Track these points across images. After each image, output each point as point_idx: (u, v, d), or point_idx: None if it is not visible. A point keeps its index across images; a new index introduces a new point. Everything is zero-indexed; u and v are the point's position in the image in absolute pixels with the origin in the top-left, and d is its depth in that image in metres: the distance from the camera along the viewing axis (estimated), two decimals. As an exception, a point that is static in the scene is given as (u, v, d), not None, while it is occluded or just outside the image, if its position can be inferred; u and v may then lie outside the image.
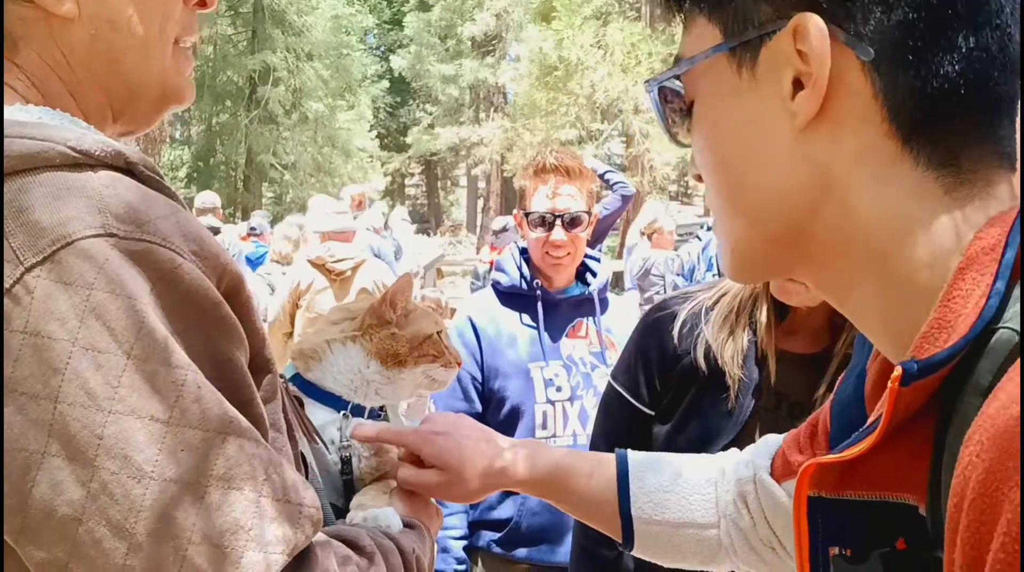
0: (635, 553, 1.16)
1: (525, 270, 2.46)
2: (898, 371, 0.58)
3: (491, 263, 10.56)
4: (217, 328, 0.74)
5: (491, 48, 26.85)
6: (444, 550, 2.32)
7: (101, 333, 0.67)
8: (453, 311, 7.74)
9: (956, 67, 0.62)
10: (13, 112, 0.78)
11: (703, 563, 1.16)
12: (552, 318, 2.44)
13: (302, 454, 0.95)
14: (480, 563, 2.42)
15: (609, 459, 1.18)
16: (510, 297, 2.47)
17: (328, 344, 1.17)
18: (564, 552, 2.27)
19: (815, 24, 0.62)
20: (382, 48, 32.70)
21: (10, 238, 0.68)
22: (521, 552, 2.36)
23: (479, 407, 2.38)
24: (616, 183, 6.65)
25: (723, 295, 1.71)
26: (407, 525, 1.03)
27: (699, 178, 0.77)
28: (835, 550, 0.69)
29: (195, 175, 23.75)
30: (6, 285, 0.67)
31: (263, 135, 22.31)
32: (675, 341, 1.72)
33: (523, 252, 2.50)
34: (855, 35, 0.62)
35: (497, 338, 2.41)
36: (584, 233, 2.41)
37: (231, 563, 0.68)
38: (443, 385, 1.23)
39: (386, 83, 29.81)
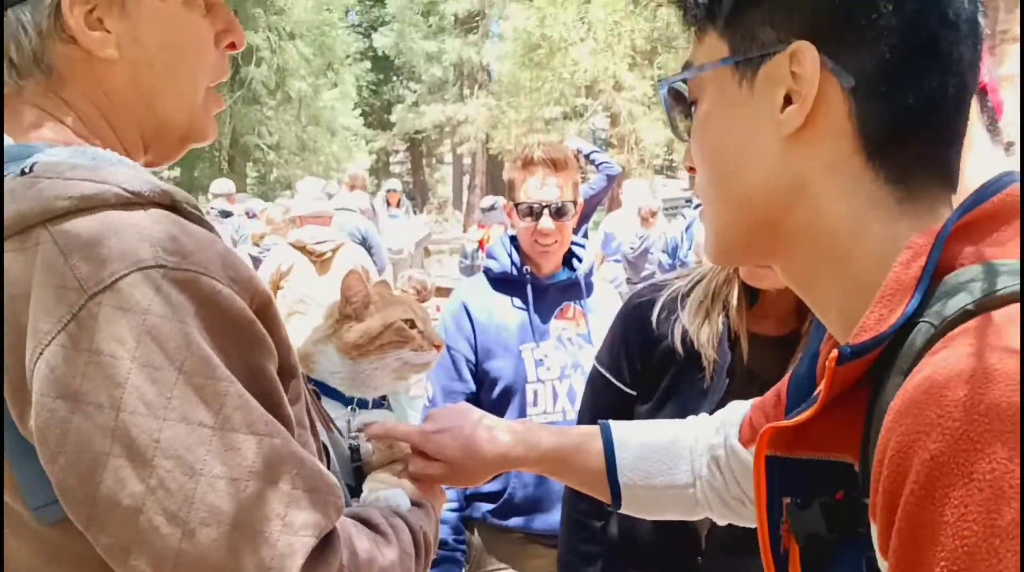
0: (622, 511, 1.29)
1: (515, 257, 2.57)
2: (835, 353, 0.71)
3: (480, 242, 10.59)
4: (251, 344, 0.85)
5: (474, 25, 26.70)
6: (442, 521, 2.44)
7: (156, 352, 0.78)
8: (443, 290, 7.83)
9: (916, 101, 0.74)
10: (71, 154, 0.87)
11: (683, 516, 1.30)
12: (541, 302, 2.56)
13: (324, 445, 1.05)
14: (476, 532, 2.56)
15: (595, 433, 1.29)
16: (501, 282, 2.59)
17: (315, 345, 1.25)
18: (554, 520, 2.39)
19: (810, 51, 0.74)
20: (364, 25, 32.40)
21: (75, 270, 0.78)
22: (514, 521, 2.49)
23: (473, 386, 2.50)
24: (602, 163, 6.76)
25: (697, 282, 1.82)
26: (415, 504, 1.12)
27: (691, 169, 0.88)
28: (787, 499, 0.81)
29: (180, 158, 23.58)
30: (73, 311, 0.77)
31: (247, 115, 22.16)
32: (654, 326, 1.84)
33: (512, 239, 2.62)
34: (841, 65, 0.75)
35: (489, 321, 2.52)
36: (570, 222, 2.53)
37: (269, 546, 0.79)
38: (422, 368, 1.28)
39: (368, 62, 29.62)
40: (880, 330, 0.70)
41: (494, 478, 2.45)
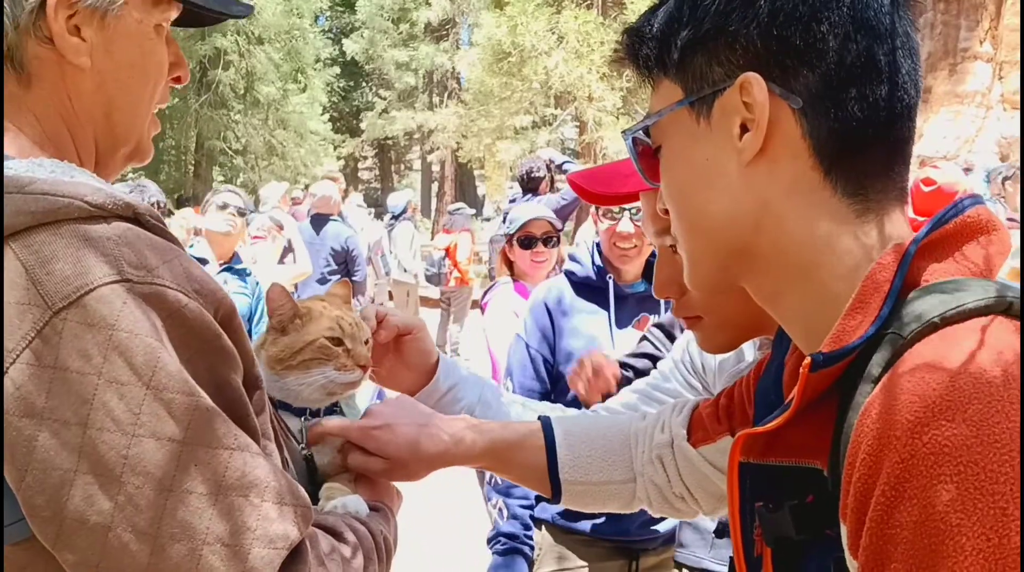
0: (562, 505, 1.33)
1: (599, 262, 2.59)
2: (808, 360, 0.74)
3: (447, 250, 10.48)
4: (217, 356, 0.85)
5: (445, 33, 26.75)
6: (513, 516, 2.50)
7: (123, 368, 0.77)
8: (428, 300, 7.56)
9: (864, 113, 0.79)
10: (31, 167, 0.86)
11: (620, 509, 1.34)
12: (620, 310, 2.58)
13: (285, 456, 1.04)
14: (543, 529, 2.58)
15: (536, 429, 1.32)
16: (582, 287, 2.60)
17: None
18: (621, 525, 2.44)
19: (757, 81, 0.79)
20: (335, 31, 32.30)
21: (38, 286, 0.77)
22: (582, 524, 2.50)
23: (548, 387, 2.54)
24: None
25: None
26: (373, 508, 1.12)
27: (665, 212, 0.94)
28: (759, 504, 0.84)
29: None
30: (38, 328, 0.76)
31: (214, 119, 21.96)
32: None
33: (598, 246, 2.64)
34: (787, 88, 0.79)
35: (570, 325, 2.54)
36: None
37: (240, 559, 0.79)
38: (348, 388, 1.22)
39: (338, 67, 29.52)
40: (851, 340, 0.74)
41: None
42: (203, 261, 4.43)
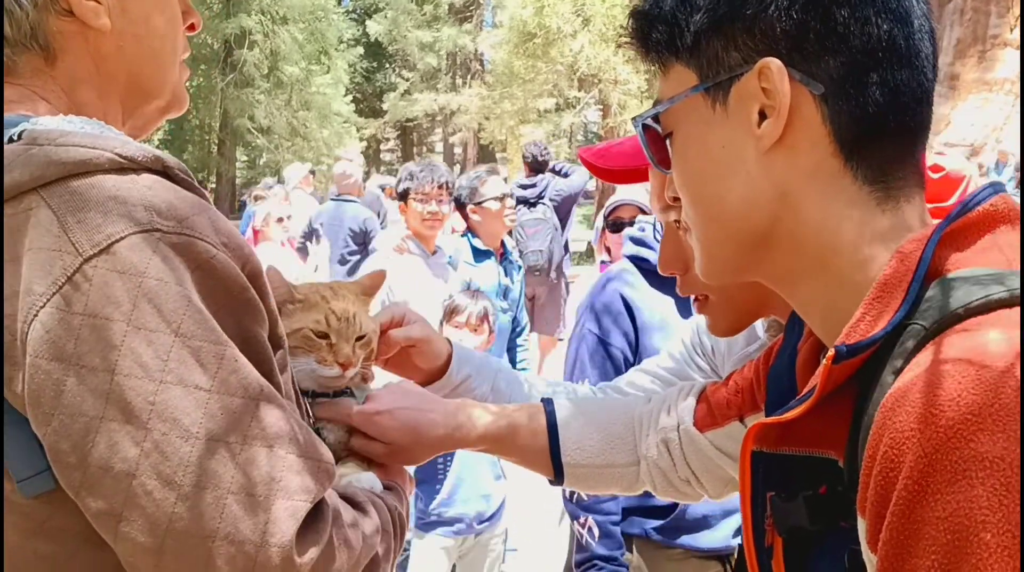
0: (565, 487, 1.32)
1: None
2: (831, 352, 0.73)
3: (455, 231, 10.37)
4: (244, 309, 0.85)
5: (469, 14, 26.63)
6: (607, 536, 2.30)
7: (152, 314, 0.77)
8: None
9: (885, 99, 0.77)
10: (60, 122, 0.87)
11: (623, 492, 1.35)
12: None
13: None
14: (635, 548, 2.36)
15: (538, 411, 1.31)
16: (657, 275, 2.28)
17: None
18: (721, 536, 2.29)
19: (777, 66, 0.77)
20: (358, 11, 32.21)
21: (69, 233, 0.77)
22: (682, 539, 2.31)
23: None
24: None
25: None
26: (387, 487, 1.13)
27: (675, 199, 0.92)
28: (771, 494, 0.83)
29: (170, 139, 23.43)
30: (68, 274, 0.76)
31: (238, 99, 22.02)
32: None
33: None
34: (808, 74, 0.78)
35: (650, 317, 2.35)
36: None
37: (263, 509, 0.79)
38: (330, 381, 1.20)
39: (361, 48, 29.47)
40: (873, 330, 0.72)
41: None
42: (487, 254, 4.20)
